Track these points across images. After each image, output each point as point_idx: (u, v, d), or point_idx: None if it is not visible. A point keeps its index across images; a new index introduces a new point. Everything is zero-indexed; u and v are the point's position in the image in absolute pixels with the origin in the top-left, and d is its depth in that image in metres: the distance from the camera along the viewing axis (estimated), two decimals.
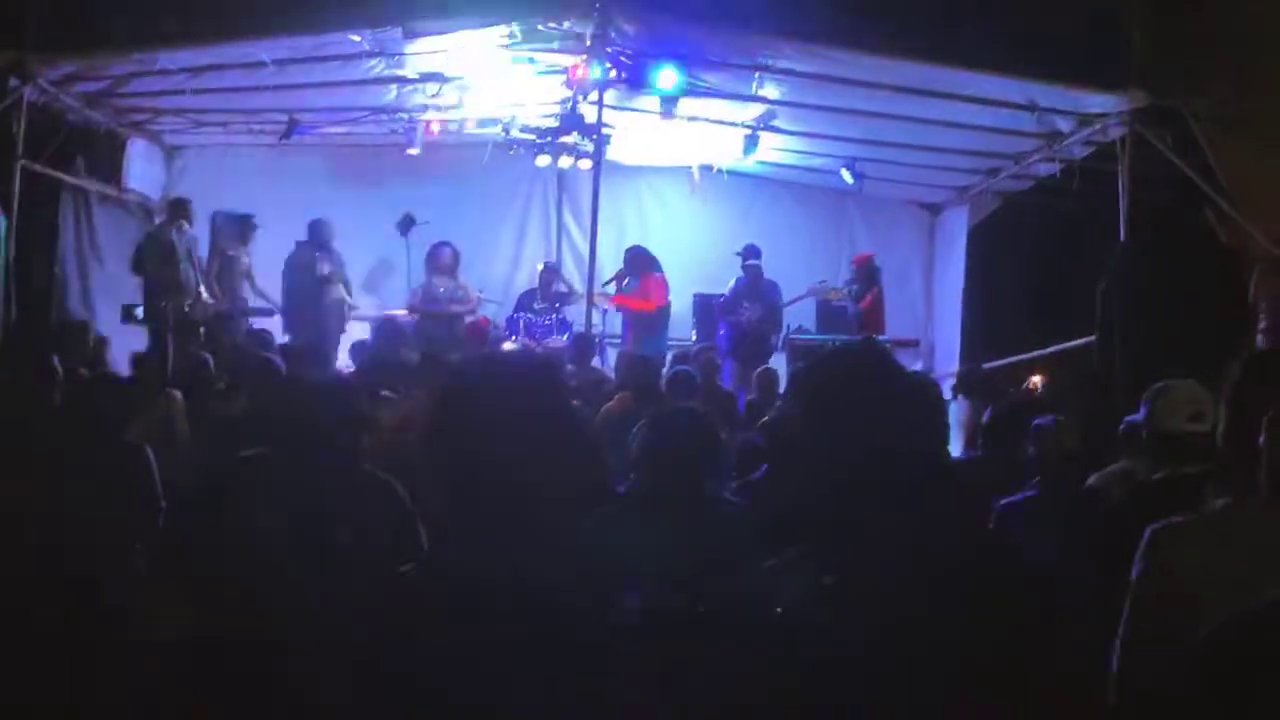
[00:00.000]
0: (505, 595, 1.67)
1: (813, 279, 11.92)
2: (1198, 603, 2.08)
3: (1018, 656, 1.81)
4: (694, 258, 12.34)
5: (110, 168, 10.90)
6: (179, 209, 10.63)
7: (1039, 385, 8.98)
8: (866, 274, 11.67)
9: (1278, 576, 2.08)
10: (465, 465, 1.77)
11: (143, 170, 11.44)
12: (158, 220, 11.07)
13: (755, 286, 11.04)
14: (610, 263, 11.52)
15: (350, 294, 11.37)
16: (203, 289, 10.70)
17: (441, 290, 11.33)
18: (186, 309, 10.00)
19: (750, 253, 11.24)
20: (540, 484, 1.74)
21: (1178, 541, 2.28)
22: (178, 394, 6.58)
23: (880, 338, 10.46)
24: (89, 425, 4.60)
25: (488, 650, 1.64)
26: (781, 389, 8.33)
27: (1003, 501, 4.43)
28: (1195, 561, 2.22)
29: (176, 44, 8.67)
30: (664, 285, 11.42)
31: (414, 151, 11.48)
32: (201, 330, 9.45)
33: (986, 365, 10.13)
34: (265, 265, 11.32)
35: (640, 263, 11.43)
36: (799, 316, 11.87)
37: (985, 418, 5.42)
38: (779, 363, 10.41)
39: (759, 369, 9.41)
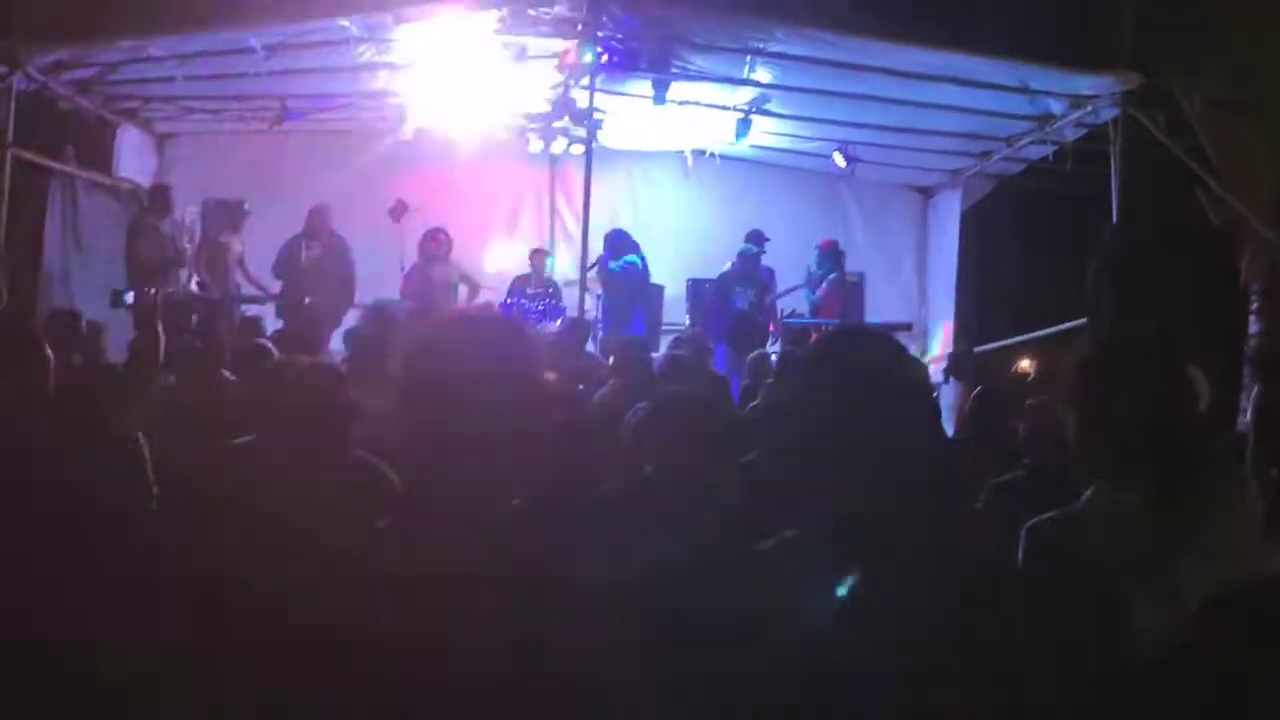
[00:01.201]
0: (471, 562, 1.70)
1: (805, 263, 11.92)
2: (1080, 594, 2.12)
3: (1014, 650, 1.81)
4: (687, 242, 12.33)
5: (101, 156, 10.86)
6: (164, 195, 10.58)
7: (1029, 371, 8.99)
8: (826, 259, 11.55)
9: (1145, 561, 2.12)
10: (431, 428, 1.80)
11: (133, 158, 11.41)
12: (146, 206, 11.03)
13: (749, 272, 11.03)
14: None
15: (348, 285, 11.22)
16: (194, 275, 10.68)
17: (435, 277, 11.29)
18: (175, 295, 9.97)
19: (752, 238, 11.21)
20: (500, 438, 1.76)
21: (1049, 536, 2.32)
22: (170, 380, 6.57)
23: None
24: (81, 413, 4.59)
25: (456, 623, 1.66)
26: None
27: (993, 482, 4.46)
28: (1067, 555, 2.25)
29: (166, 30, 8.63)
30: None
31: (406, 137, 11.45)
32: (193, 317, 9.42)
33: (979, 348, 10.14)
34: (257, 252, 11.29)
35: (618, 245, 11.41)
36: (793, 301, 11.89)
37: (970, 402, 5.47)
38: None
39: (752, 354, 9.39)
